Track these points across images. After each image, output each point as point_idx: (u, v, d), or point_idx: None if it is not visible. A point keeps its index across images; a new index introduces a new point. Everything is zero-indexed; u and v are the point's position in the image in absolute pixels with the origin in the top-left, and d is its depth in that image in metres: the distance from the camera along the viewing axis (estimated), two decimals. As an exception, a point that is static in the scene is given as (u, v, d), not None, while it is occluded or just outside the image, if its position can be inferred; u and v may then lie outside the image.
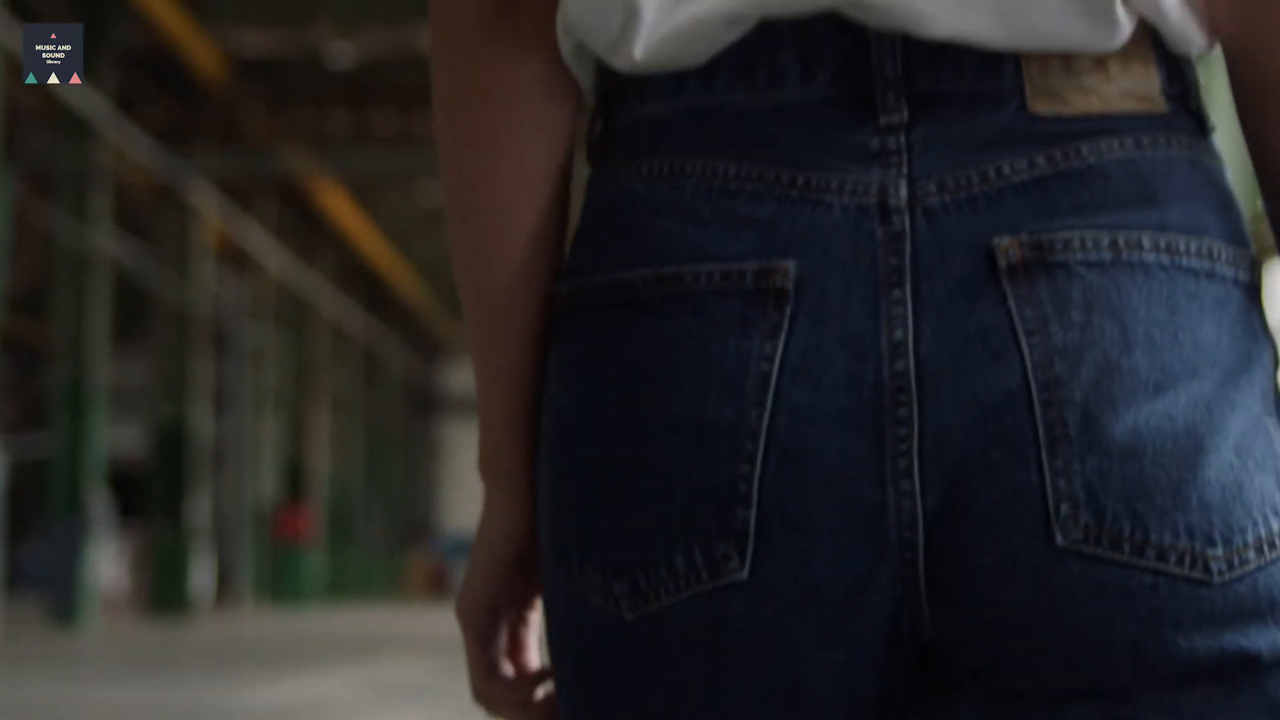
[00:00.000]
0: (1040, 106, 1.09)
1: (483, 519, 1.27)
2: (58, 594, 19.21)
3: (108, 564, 23.28)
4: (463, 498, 42.96)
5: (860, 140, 1.09)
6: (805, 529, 1.06)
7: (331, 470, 33.95)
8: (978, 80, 1.09)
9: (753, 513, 1.06)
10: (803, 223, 1.08)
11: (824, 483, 1.06)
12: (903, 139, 1.09)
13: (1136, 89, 1.11)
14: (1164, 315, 1.06)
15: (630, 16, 1.12)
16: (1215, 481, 1.04)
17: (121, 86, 21.49)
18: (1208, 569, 1.04)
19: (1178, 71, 1.13)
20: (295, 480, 30.94)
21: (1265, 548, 1.05)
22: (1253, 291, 1.11)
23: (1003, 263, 1.06)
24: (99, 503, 19.93)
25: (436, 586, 40.56)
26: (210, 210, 24.02)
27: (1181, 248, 1.07)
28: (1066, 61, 1.09)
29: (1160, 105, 1.11)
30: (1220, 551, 1.04)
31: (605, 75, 1.17)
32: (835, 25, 1.10)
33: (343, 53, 21.64)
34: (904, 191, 1.08)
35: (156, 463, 23.56)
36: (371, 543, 38.28)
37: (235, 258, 27.45)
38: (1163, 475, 1.04)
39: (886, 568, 1.06)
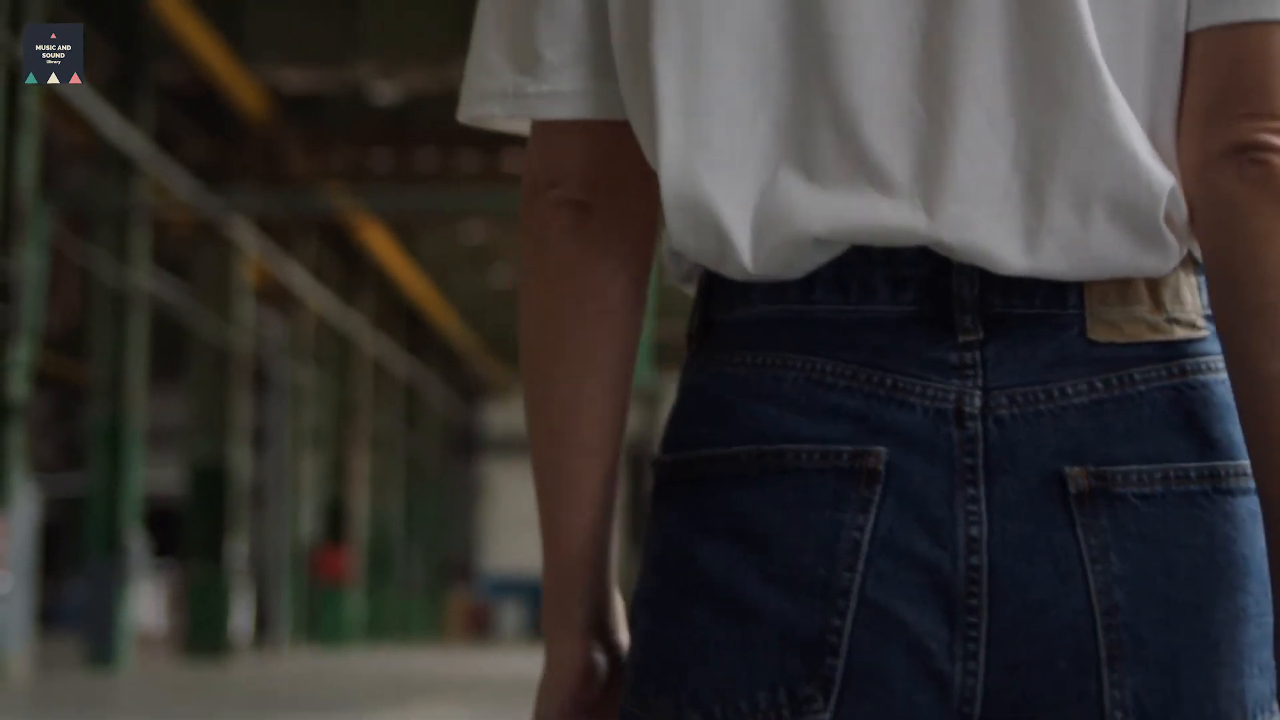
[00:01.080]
0: (1099, 334, 1.27)
1: (544, 681, 1.40)
2: (94, 634, 19.04)
3: (145, 604, 23.14)
4: (504, 539, 42.78)
5: (940, 355, 1.26)
6: (886, 682, 1.23)
7: (371, 510, 33.79)
8: (1044, 306, 1.26)
9: (841, 662, 1.23)
10: (889, 418, 1.25)
11: (904, 645, 1.23)
12: (978, 355, 1.26)
13: (1182, 316, 1.29)
14: (1204, 539, 1.25)
15: (725, 247, 1.28)
16: (1225, 691, 1.25)
17: (162, 123, 21.42)
18: None
19: None
20: (335, 520, 30.76)
21: None
22: None
23: (1073, 489, 1.24)
24: (136, 542, 19.77)
25: (477, 627, 40.38)
26: (250, 248, 23.90)
27: (1222, 473, 1.27)
28: (1123, 289, 1.27)
29: (1201, 329, 1.29)
30: None
31: (707, 274, 1.33)
32: (922, 251, 1.26)
33: (384, 90, 21.53)
34: (978, 401, 1.25)
35: (195, 502, 23.39)
36: (412, 583, 38.09)
37: (276, 296, 27.34)
38: (1189, 686, 1.24)
39: None
